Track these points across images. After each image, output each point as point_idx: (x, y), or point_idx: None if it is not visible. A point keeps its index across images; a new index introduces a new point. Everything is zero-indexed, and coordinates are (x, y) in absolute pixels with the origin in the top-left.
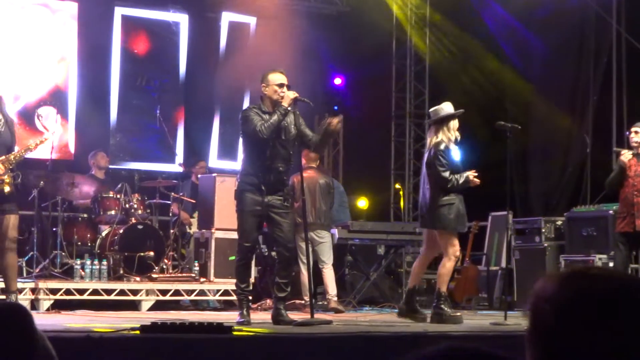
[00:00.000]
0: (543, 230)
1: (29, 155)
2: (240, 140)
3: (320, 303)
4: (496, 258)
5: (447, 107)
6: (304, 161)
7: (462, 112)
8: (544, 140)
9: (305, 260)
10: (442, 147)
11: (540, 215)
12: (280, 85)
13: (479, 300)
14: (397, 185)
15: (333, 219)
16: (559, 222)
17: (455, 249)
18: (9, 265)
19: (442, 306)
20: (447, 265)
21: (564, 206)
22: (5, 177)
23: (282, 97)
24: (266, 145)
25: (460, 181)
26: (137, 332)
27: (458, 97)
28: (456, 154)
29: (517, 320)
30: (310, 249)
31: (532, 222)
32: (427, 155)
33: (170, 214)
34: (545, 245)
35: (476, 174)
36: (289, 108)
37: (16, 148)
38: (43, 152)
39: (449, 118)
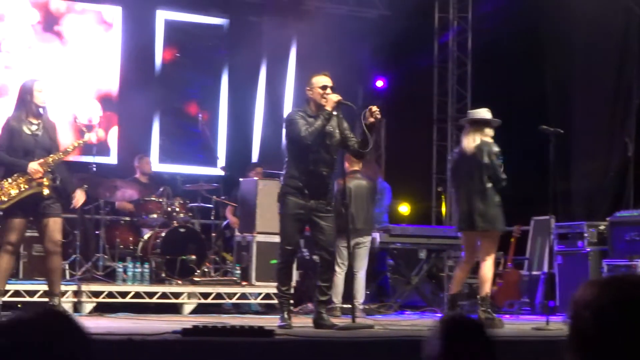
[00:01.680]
0: (586, 235)
1: (73, 158)
2: (284, 143)
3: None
4: (538, 263)
5: (487, 114)
6: (347, 164)
7: (500, 123)
8: (586, 144)
9: (341, 264)
10: (495, 148)
11: (582, 219)
12: (324, 88)
13: (521, 305)
14: (439, 189)
15: (377, 221)
16: (602, 227)
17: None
18: (53, 269)
19: (490, 310)
20: (492, 268)
21: (606, 210)
22: (44, 179)
23: (326, 100)
24: (310, 149)
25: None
26: (179, 335)
27: (500, 100)
28: None
29: (559, 326)
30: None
31: (574, 226)
32: (471, 157)
33: (224, 218)
34: (588, 250)
35: None
36: (333, 112)
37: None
38: (86, 156)
39: (489, 123)
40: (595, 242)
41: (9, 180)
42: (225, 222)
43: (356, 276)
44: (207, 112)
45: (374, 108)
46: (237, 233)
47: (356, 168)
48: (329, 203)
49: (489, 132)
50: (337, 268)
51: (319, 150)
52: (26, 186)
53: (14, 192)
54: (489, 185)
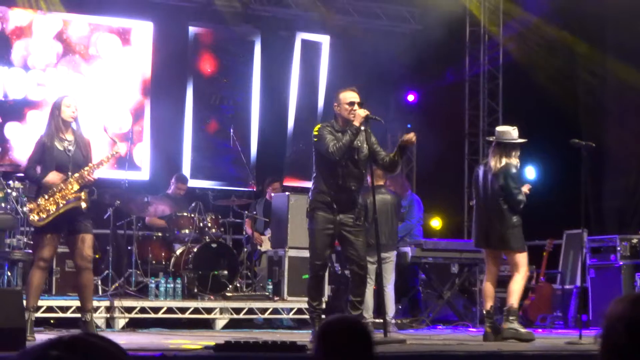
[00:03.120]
0: (619, 248)
1: (105, 175)
2: (313, 157)
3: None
4: (571, 276)
5: (514, 133)
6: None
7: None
8: (618, 157)
9: (369, 278)
10: (513, 170)
11: (614, 232)
12: (351, 104)
13: (553, 319)
14: (471, 203)
15: (409, 234)
16: (635, 240)
17: (526, 266)
18: (84, 285)
19: (516, 322)
20: (521, 282)
21: (639, 223)
22: (82, 193)
23: (354, 115)
24: (339, 164)
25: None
26: (211, 350)
27: (531, 114)
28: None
29: (592, 340)
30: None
31: (607, 240)
32: (492, 179)
33: (244, 233)
34: (621, 263)
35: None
36: (361, 127)
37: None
38: (119, 170)
39: (515, 145)
40: (628, 255)
41: (45, 196)
42: (246, 236)
43: (384, 291)
44: (239, 127)
45: (413, 137)
46: (259, 247)
47: (381, 182)
48: (358, 217)
49: (515, 153)
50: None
51: (347, 164)
52: (63, 201)
53: (52, 208)
54: (505, 207)
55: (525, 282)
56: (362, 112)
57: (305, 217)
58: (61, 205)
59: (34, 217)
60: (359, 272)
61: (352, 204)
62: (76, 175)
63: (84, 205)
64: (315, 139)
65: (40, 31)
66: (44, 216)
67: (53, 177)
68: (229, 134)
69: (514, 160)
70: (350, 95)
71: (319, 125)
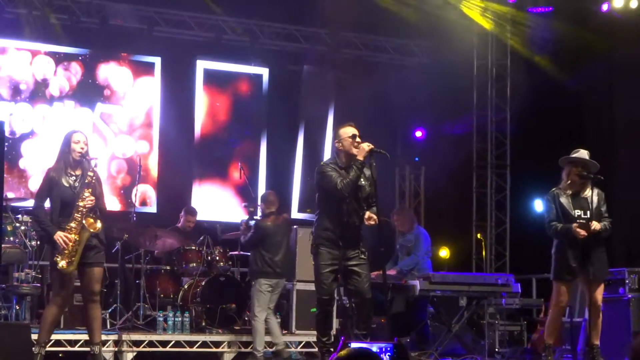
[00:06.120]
0: (627, 281)
1: (114, 208)
2: (317, 195)
3: None
4: (580, 309)
5: (576, 153)
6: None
7: (577, 160)
8: (626, 190)
9: None
10: (552, 192)
11: (622, 265)
12: (353, 137)
13: (562, 352)
14: (479, 236)
15: (417, 268)
16: None
17: (557, 298)
18: (93, 317)
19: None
20: (549, 315)
21: None
22: (87, 220)
23: (358, 147)
24: (343, 201)
25: (558, 230)
26: None
27: (539, 148)
28: (569, 202)
29: None
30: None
31: (615, 273)
32: None
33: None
34: (630, 296)
35: (579, 226)
36: (364, 160)
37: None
38: (127, 204)
39: (567, 163)
40: (637, 288)
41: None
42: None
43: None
44: (247, 161)
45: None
46: None
47: None
48: (362, 252)
49: (571, 171)
50: None
51: (351, 202)
52: (77, 237)
53: (74, 249)
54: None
55: (552, 314)
56: (366, 146)
57: (310, 252)
58: (76, 240)
59: (63, 264)
60: (364, 304)
61: (356, 240)
62: (78, 208)
63: (98, 225)
64: (319, 177)
65: (45, 66)
66: (74, 259)
67: (60, 236)
68: (237, 167)
69: (566, 181)
70: (350, 130)
71: (322, 163)
